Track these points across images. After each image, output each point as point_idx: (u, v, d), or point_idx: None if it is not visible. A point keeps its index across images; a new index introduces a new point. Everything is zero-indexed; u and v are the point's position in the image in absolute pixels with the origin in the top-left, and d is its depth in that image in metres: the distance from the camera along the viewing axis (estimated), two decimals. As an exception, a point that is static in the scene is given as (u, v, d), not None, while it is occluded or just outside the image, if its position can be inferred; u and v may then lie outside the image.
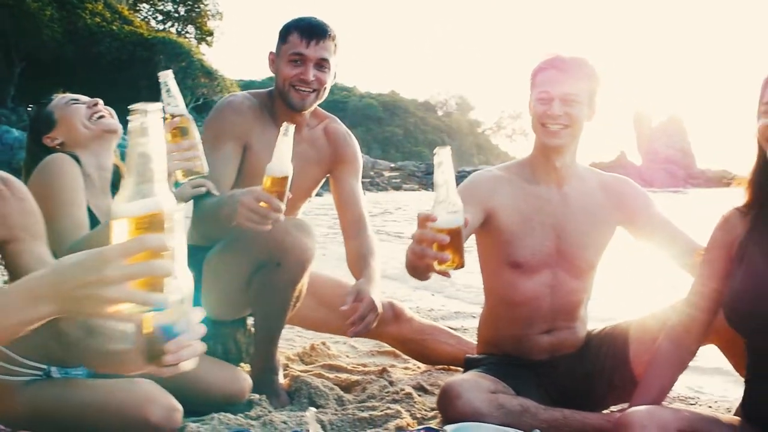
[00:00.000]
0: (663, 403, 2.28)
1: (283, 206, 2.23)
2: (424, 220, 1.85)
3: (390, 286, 5.84)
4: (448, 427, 1.93)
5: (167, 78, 2.25)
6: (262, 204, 2.22)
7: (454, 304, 5.36)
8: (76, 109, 2.60)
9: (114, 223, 1.20)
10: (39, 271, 1.28)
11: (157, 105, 1.24)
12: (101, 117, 2.62)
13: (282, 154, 2.23)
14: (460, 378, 2.51)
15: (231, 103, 2.97)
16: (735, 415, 2.23)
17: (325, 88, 2.88)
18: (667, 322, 2.32)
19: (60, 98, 2.66)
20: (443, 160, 1.87)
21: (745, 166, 2.15)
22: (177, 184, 2.35)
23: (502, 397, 2.39)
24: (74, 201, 2.39)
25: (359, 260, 2.96)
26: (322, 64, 2.83)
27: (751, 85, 2.13)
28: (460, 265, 1.89)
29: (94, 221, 2.42)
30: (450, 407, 2.34)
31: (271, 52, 2.93)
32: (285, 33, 2.86)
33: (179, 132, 2.25)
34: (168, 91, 2.24)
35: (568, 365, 2.69)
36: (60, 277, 1.21)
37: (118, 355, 1.46)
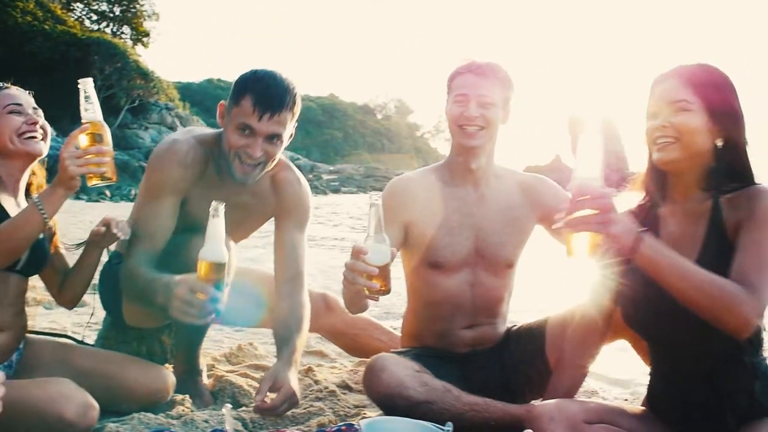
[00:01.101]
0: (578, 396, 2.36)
1: (221, 295, 2.08)
2: (357, 253, 2.03)
3: (320, 284, 5.84)
4: (362, 422, 1.97)
5: (86, 85, 2.27)
6: (198, 295, 2.07)
7: (386, 304, 5.40)
8: (12, 121, 2.46)
9: None
10: None
11: None
12: (32, 137, 2.48)
13: (215, 237, 2.05)
14: (385, 353, 2.57)
15: (177, 153, 2.66)
16: (642, 405, 2.32)
17: (273, 159, 2.63)
18: (574, 319, 2.40)
19: (4, 96, 2.49)
20: (376, 203, 2.03)
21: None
22: (84, 185, 2.32)
23: (425, 376, 2.43)
24: None
25: (284, 332, 2.66)
26: (273, 138, 2.55)
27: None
28: (387, 292, 2.09)
29: (3, 217, 2.39)
30: (375, 380, 2.37)
31: (221, 103, 2.64)
32: (238, 94, 2.54)
33: (92, 138, 2.26)
34: (87, 98, 2.26)
35: (489, 359, 2.77)
36: None
37: None
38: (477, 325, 2.75)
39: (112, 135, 2.39)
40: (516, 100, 2.71)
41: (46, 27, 38.15)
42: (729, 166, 2.03)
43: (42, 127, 2.55)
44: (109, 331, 3.05)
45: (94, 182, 2.28)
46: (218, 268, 2.06)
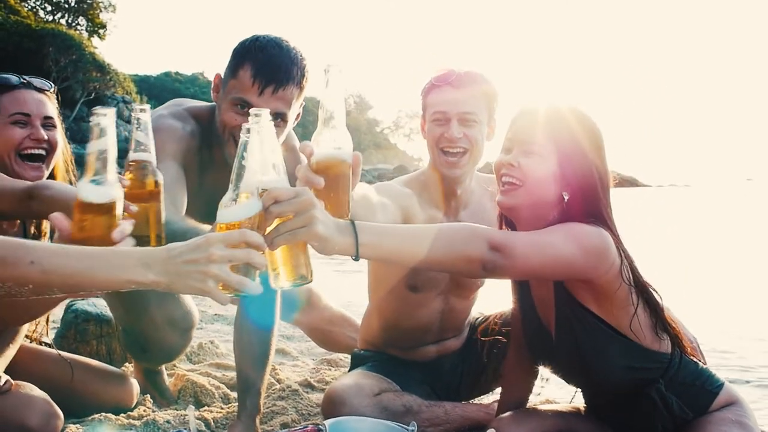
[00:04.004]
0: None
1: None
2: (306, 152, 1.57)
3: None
4: (327, 422, 1.97)
5: (143, 115, 1.66)
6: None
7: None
8: (13, 134, 2.19)
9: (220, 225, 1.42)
10: (154, 247, 1.46)
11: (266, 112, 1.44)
12: (32, 156, 2.22)
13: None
14: (343, 384, 2.44)
15: (171, 127, 2.25)
16: None
17: None
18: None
19: (11, 101, 2.21)
20: (331, 78, 1.54)
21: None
22: None
23: (385, 398, 2.40)
24: None
25: (248, 369, 2.27)
26: (276, 117, 2.07)
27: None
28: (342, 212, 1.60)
29: None
30: (335, 414, 2.31)
31: (217, 75, 2.25)
32: (236, 63, 2.11)
33: (143, 186, 1.65)
34: (143, 128, 1.66)
35: (453, 363, 2.76)
36: (171, 252, 1.39)
37: None
38: (443, 340, 2.73)
39: (66, 129, 2.17)
40: (500, 111, 2.44)
41: (-1, 17, 37.45)
42: (575, 218, 1.85)
43: (49, 141, 2.26)
44: (67, 330, 3.01)
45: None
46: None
